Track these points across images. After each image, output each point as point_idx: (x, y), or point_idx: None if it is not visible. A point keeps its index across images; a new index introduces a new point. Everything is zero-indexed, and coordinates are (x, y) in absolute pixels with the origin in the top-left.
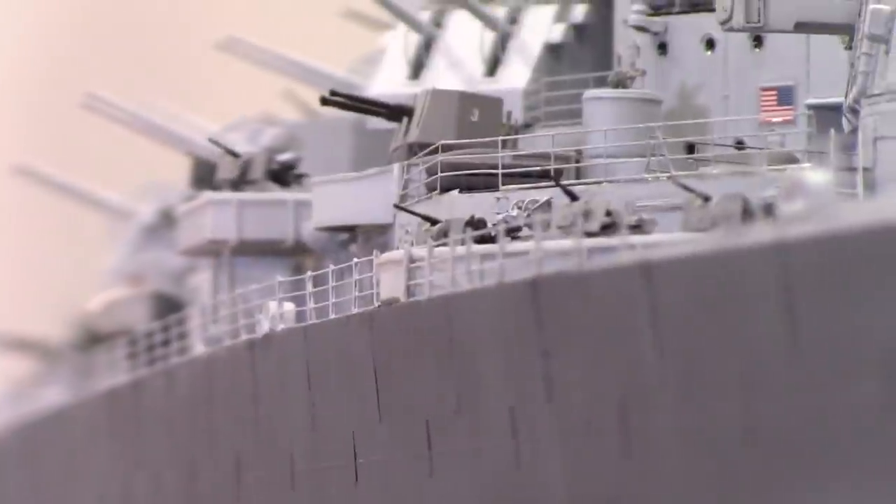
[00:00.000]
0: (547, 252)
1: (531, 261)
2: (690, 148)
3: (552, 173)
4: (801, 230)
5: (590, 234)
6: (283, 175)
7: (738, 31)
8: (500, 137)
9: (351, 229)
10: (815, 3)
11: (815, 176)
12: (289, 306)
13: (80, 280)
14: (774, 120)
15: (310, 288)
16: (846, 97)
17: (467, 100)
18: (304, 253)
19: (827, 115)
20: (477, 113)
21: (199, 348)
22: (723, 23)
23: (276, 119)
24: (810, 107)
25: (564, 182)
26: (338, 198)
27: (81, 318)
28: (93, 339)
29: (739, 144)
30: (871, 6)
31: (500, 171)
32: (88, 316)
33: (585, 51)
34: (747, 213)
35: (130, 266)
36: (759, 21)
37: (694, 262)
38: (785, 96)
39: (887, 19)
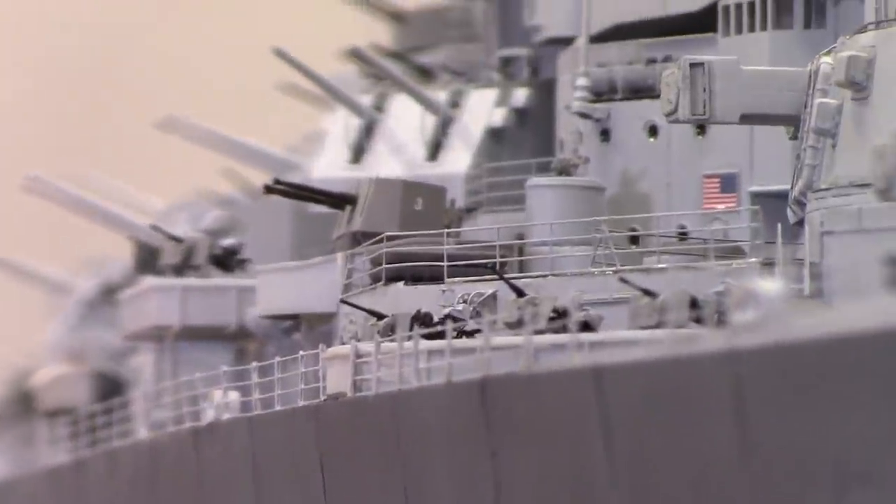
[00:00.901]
0: (495, 348)
1: (480, 360)
2: (634, 236)
3: (496, 267)
4: (753, 339)
5: (538, 331)
6: (227, 260)
7: (684, 122)
8: (445, 230)
9: (295, 317)
10: (761, 95)
11: (768, 285)
12: (234, 395)
13: (20, 352)
14: (718, 207)
15: (255, 378)
16: (792, 188)
17: (411, 189)
18: (247, 338)
19: (770, 203)
20: (421, 202)
21: (142, 432)
22: (668, 114)
23: (218, 197)
24: (754, 194)
25: (509, 275)
26: (282, 286)
27: (22, 389)
28: (33, 411)
29: (683, 232)
30: (818, 100)
31: (445, 264)
32: (30, 389)
33: (527, 135)
34: (695, 310)
35: (70, 342)
36: (704, 113)
37: (646, 367)
38: (728, 184)
39: (834, 113)
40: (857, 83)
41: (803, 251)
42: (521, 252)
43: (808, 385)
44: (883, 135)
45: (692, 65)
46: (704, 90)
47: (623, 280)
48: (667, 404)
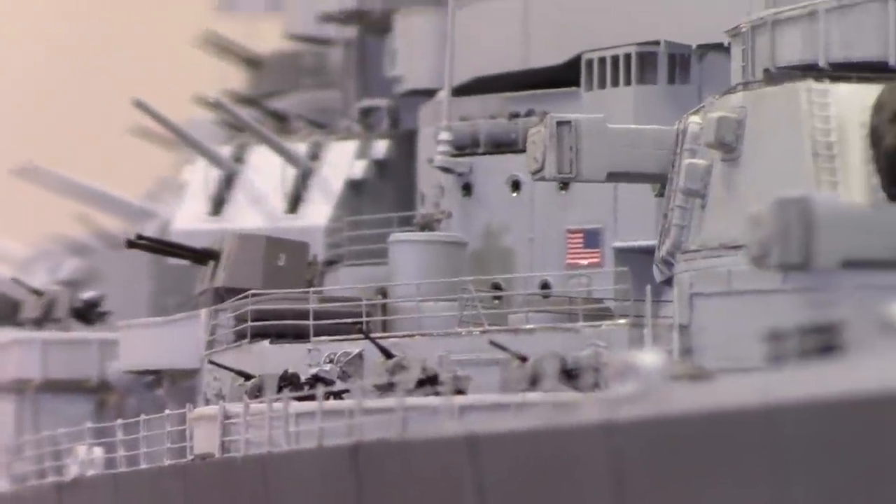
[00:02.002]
0: (366, 411)
1: (351, 425)
2: (497, 289)
3: (363, 327)
4: (631, 411)
5: (407, 392)
6: (87, 313)
7: (551, 180)
8: (311, 289)
9: (157, 372)
10: (627, 153)
11: (646, 358)
12: (98, 451)
13: None
14: (581, 263)
15: (120, 434)
16: (659, 247)
17: (274, 244)
18: (108, 391)
19: (635, 259)
20: (283, 257)
21: (2, 485)
22: (534, 173)
23: (75, 244)
24: (618, 250)
25: (376, 335)
26: (144, 341)
27: None
28: None
29: (546, 287)
30: (687, 161)
31: (311, 322)
32: None
33: (387, 187)
34: (565, 373)
35: None
36: (571, 172)
37: (522, 436)
38: (592, 239)
39: (703, 174)
40: (727, 144)
41: (670, 310)
42: (385, 309)
43: (687, 458)
44: (753, 197)
45: (559, 123)
46: (571, 148)
47: (494, 344)
48: (543, 474)
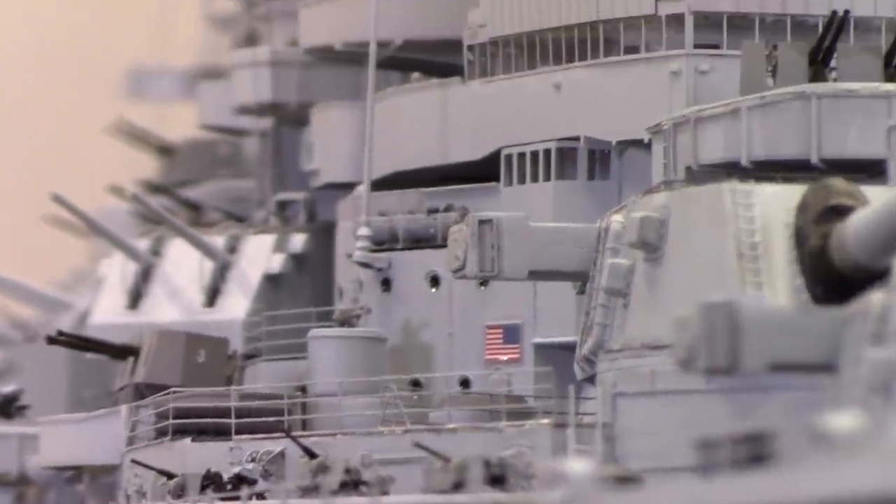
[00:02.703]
0: None
1: None
2: (416, 385)
3: (286, 426)
4: None
5: (331, 493)
6: (6, 407)
7: (472, 279)
8: (233, 387)
9: (78, 468)
10: (549, 252)
11: (575, 464)
12: None
13: None
14: (501, 358)
15: None
16: (580, 346)
17: (193, 341)
18: (28, 485)
19: (554, 355)
20: (203, 353)
21: None
22: (456, 271)
23: None
24: (537, 346)
25: (297, 433)
26: (65, 437)
27: None
28: None
29: (466, 384)
30: (609, 260)
31: (232, 420)
32: None
33: (305, 280)
34: (489, 475)
35: None
36: (492, 270)
37: None
38: (511, 335)
39: (626, 273)
40: (650, 244)
41: (592, 406)
42: (306, 406)
43: None
44: (677, 297)
45: (481, 221)
46: (493, 247)
47: (417, 445)
48: None
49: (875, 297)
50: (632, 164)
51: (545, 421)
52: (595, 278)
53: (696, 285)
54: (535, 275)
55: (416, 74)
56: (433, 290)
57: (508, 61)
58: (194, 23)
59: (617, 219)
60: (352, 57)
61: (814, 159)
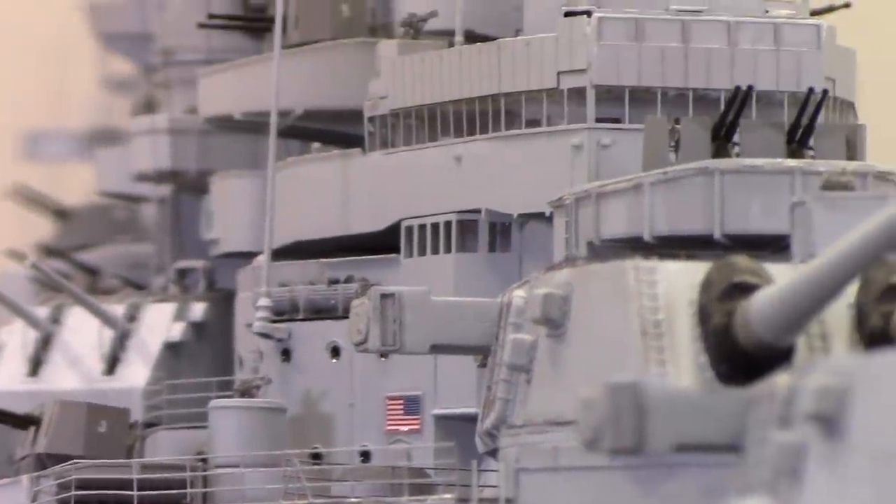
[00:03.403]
0: None
1: None
2: (316, 457)
3: (187, 499)
4: None
5: None
6: None
7: (374, 352)
8: (137, 460)
9: None
10: (451, 326)
11: None
12: None
13: None
14: (401, 429)
15: None
16: (482, 420)
17: (95, 411)
18: None
19: (455, 426)
20: (105, 423)
21: None
22: (358, 344)
23: None
24: (438, 417)
25: None
26: None
27: None
28: None
29: (366, 454)
30: (512, 336)
31: (135, 493)
32: None
33: (205, 349)
34: None
35: None
36: (394, 344)
37: None
38: (412, 406)
39: (528, 349)
40: (553, 321)
41: (494, 478)
42: (206, 480)
43: None
44: (580, 374)
45: (383, 295)
46: (395, 321)
47: None
48: None
49: (781, 379)
50: (532, 237)
51: (448, 496)
52: (497, 353)
53: (600, 362)
54: (437, 349)
55: (316, 144)
56: (334, 360)
57: (409, 133)
58: (90, 85)
59: (519, 294)
60: (251, 126)
61: (717, 235)
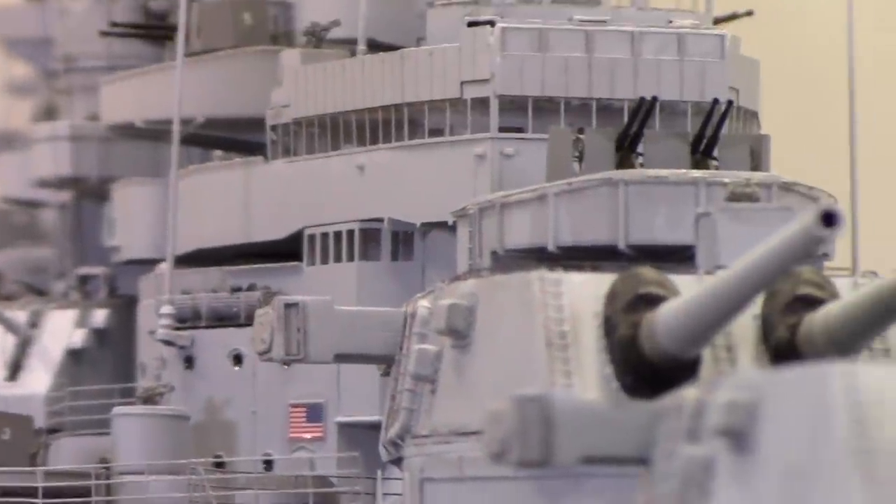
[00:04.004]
0: None
1: None
2: (219, 465)
3: None
4: None
5: None
6: None
7: (278, 361)
8: (41, 468)
9: None
10: (355, 335)
11: None
12: None
13: None
14: (304, 437)
15: None
16: (386, 429)
17: None
18: None
19: (357, 434)
20: (8, 431)
21: None
22: (261, 353)
23: None
24: (340, 424)
25: None
26: None
27: None
28: None
29: (269, 461)
30: (417, 346)
31: (40, 502)
32: None
33: (107, 355)
34: None
35: None
36: (298, 353)
37: None
38: (314, 414)
39: (433, 359)
40: (458, 332)
41: (397, 487)
42: (110, 488)
43: None
44: (486, 384)
45: (286, 304)
46: (299, 330)
47: None
48: None
49: (688, 392)
50: (435, 246)
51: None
52: (402, 363)
53: (506, 373)
54: (341, 358)
55: (218, 152)
56: (236, 368)
57: (312, 142)
58: None
59: (424, 304)
60: (153, 133)
61: (621, 246)
